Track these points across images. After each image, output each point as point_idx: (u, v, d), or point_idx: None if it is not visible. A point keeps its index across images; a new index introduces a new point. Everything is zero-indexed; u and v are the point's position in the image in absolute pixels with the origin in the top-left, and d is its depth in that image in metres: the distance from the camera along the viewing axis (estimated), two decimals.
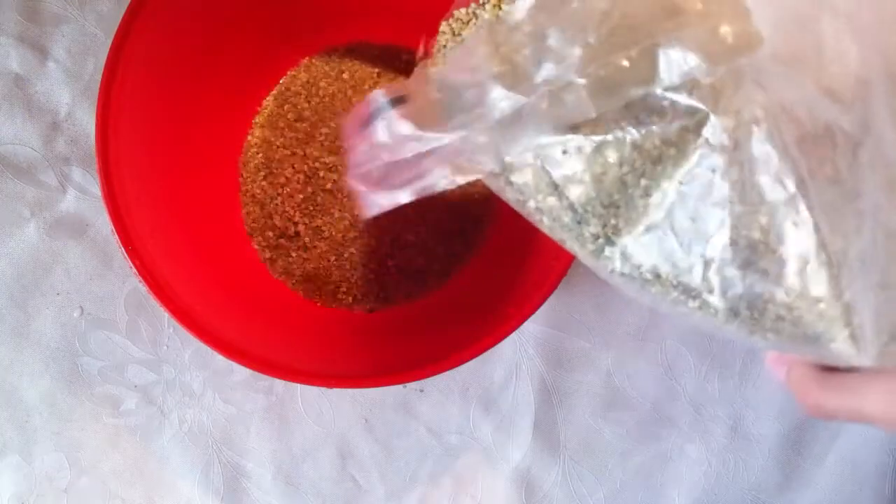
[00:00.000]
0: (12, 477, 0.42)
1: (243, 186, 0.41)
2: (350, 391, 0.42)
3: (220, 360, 0.43)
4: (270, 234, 0.41)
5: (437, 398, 0.43)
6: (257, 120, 0.41)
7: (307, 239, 0.41)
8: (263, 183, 0.41)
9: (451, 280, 0.41)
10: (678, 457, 0.43)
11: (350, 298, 0.41)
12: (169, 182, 0.37)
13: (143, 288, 0.42)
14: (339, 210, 0.41)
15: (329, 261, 0.41)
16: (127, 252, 0.32)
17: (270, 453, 0.43)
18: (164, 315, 0.42)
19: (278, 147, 0.41)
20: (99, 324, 0.42)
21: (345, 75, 0.41)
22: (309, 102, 0.41)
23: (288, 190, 0.41)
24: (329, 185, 0.41)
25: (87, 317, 0.42)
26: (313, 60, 0.41)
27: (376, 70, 0.41)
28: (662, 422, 0.43)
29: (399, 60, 0.41)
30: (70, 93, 0.42)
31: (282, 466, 0.43)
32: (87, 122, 0.42)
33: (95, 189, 0.42)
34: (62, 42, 0.42)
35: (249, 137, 0.41)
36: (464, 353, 0.31)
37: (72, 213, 0.42)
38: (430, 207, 0.40)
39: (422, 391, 0.43)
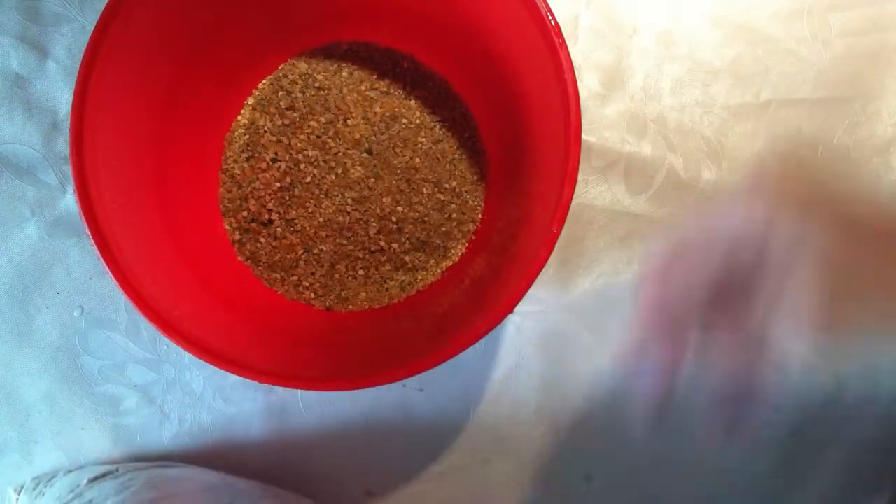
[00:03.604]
0: (12, 476, 0.42)
1: (224, 164, 0.41)
2: (349, 391, 0.42)
3: None
4: (244, 215, 0.41)
5: (438, 398, 0.43)
6: (249, 101, 0.41)
7: (279, 229, 0.41)
8: (245, 164, 0.41)
9: (416, 292, 0.41)
10: (678, 455, 0.43)
11: (311, 294, 0.40)
12: (146, 149, 0.36)
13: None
14: (315, 205, 0.41)
15: (297, 254, 0.41)
16: (86, 219, 0.31)
17: (271, 453, 0.42)
18: None
19: (265, 132, 0.41)
20: (99, 323, 0.42)
21: (343, 72, 0.41)
22: (303, 93, 0.41)
23: (267, 176, 0.41)
24: (308, 179, 0.41)
25: (87, 316, 0.42)
26: (315, 53, 0.41)
27: (375, 73, 0.41)
28: (662, 420, 0.43)
29: (399, 67, 0.41)
30: (70, 93, 0.42)
31: (282, 466, 0.43)
32: None
33: None
34: (62, 42, 0.42)
35: (239, 117, 0.41)
36: (419, 362, 0.30)
37: (72, 212, 0.42)
38: (410, 220, 0.40)
39: (422, 391, 0.43)
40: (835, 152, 0.42)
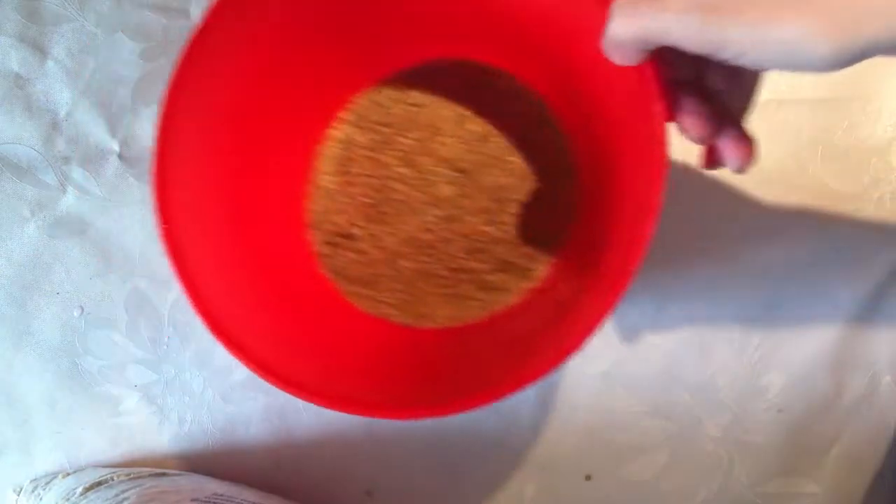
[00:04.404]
0: (12, 476, 0.42)
1: (315, 177, 0.41)
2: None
3: (220, 359, 0.43)
4: (331, 229, 0.40)
5: None
6: (346, 116, 0.40)
7: (364, 244, 0.40)
8: (335, 178, 0.41)
9: (494, 314, 0.40)
10: (677, 455, 0.43)
11: (392, 310, 0.40)
12: (230, 161, 0.36)
13: (143, 286, 0.42)
14: (401, 222, 0.40)
15: (379, 269, 0.40)
16: (162, 227, 0.31)
17: (271, 453, 0.42)
18: (165, 314, 0.42)
19: (358, 146, 0.40)
20: (99, 323, 0.42)
21: (438, 89, 0.40)
22: (398, 108, 0.40)
23: (356, 191, 0.40)
24: (396, 196, 0.40)
25: (87, 316, 0.42)
26: (411, 69, 0.40)
27: (470, 90, 0.40)
28: (661, 421, 0.43)
29: (495, 85, 0.40)
30: (70, 92, 0.42)
31: (282, 466, 0.43)
32: (87, 121, 0.42)
33: (96, 188, 0.42)
34: (62, 42, 0.42)
35: (335, 132, 0.41)
36: (499, 387, 0.28)
37: (72, 212, 0.42)
38: (495, 240, 0.40)
39: None
40: (835, 152, 0.42)
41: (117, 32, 0.42)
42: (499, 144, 0.40)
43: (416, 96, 0.40)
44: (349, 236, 0.40)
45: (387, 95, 0.41)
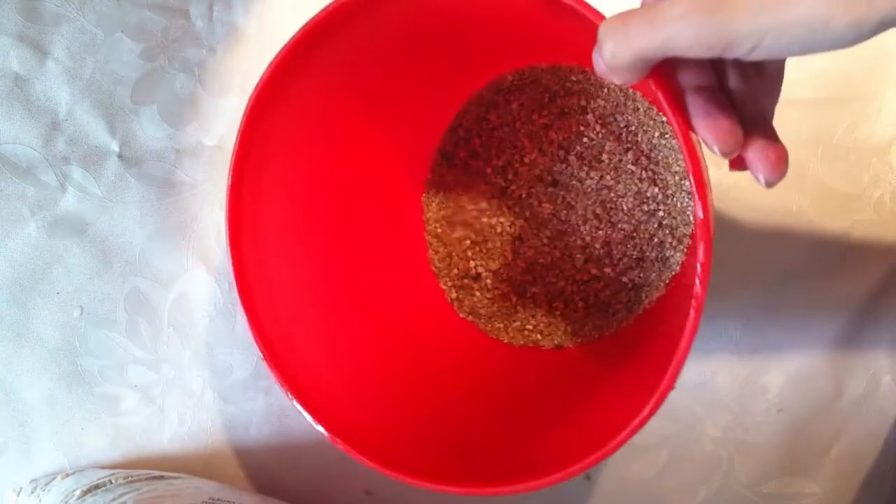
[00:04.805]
0: (12, 476, 0.42)
1: (427, 225, 0.41)
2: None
3: (219, 359, 0.43)
4: (455, 273, 0.40)
5: None
6: (435, 158, 0.40)
7: (488, 281, 0.40)
8: (442, 223, 0.40)
9: (643, 311, 0.38)
10: (677, 455, 0.43)
11: (538, 336, 0.39)
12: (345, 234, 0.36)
13: (143, 286, 0.42)
14: (513, 254, 0.39)
15: (512, 301, 0.40)
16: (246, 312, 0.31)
17: (270, 453, 0.42)
18: (165, 314, 0.42)
19: (453, 185, 0.40)
20: (99, 323, 0.42)
21: (513, 105, 0.39)
22: (479, 137, 0.39)
23: (462, 232, 0.40)
24: (499, 229, 0.40)
25: (87, 316, 0.42)
26: (483, 93, 0.39)
27: (545, 96, 0.38)
28: (661, 421, 0.43)
29: (569, 82, 0.38)
30: (70, 92, 0.42)
31: (282, 466, 0.42)
32: (86, 121, 0.42)
33: (95, 188, 0.42)
34: (62, 41, 0.42)
35: (430, 175, 0.40)
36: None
37: (72, 212, 0.42)
38: (614, 240, 0.38)
39: None
40: (835, 152, 0.42)
41: (117, 32, 0.42)
42: (588, 143, 0.38)
43: (493, 121, 0.39)
44: (474, 277, 0.40)
45: (466, 128, 0.40)
